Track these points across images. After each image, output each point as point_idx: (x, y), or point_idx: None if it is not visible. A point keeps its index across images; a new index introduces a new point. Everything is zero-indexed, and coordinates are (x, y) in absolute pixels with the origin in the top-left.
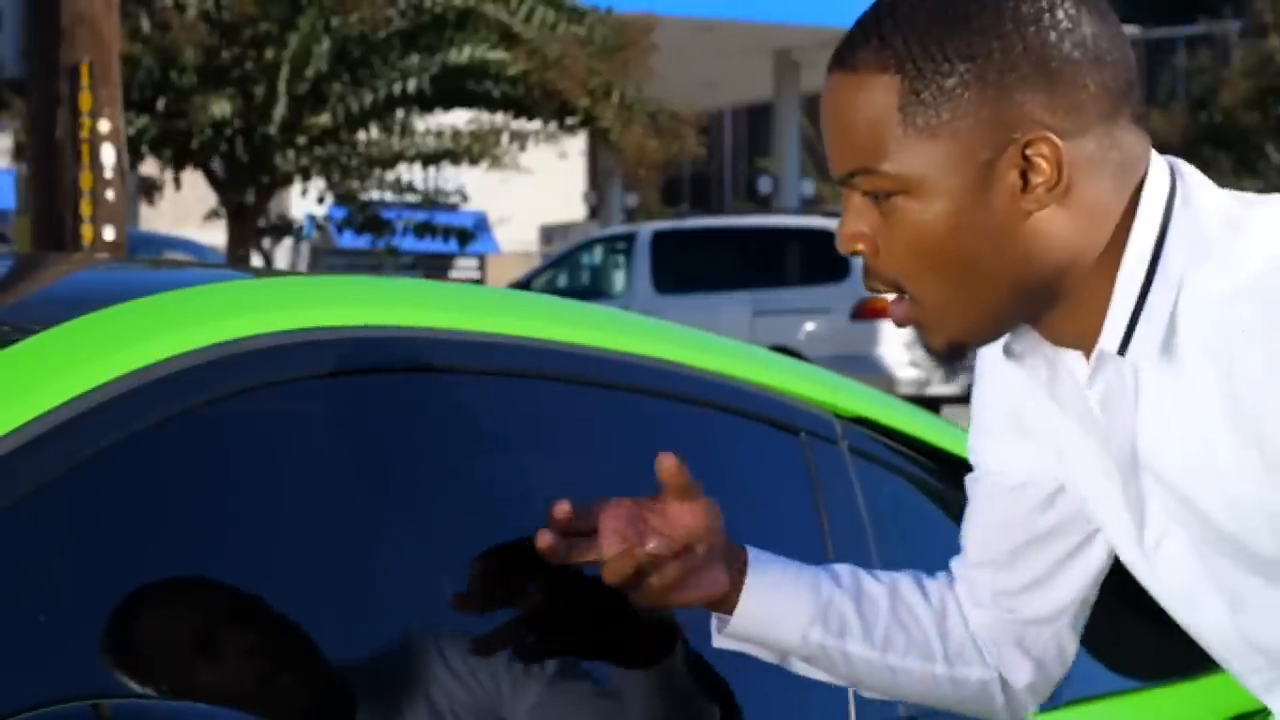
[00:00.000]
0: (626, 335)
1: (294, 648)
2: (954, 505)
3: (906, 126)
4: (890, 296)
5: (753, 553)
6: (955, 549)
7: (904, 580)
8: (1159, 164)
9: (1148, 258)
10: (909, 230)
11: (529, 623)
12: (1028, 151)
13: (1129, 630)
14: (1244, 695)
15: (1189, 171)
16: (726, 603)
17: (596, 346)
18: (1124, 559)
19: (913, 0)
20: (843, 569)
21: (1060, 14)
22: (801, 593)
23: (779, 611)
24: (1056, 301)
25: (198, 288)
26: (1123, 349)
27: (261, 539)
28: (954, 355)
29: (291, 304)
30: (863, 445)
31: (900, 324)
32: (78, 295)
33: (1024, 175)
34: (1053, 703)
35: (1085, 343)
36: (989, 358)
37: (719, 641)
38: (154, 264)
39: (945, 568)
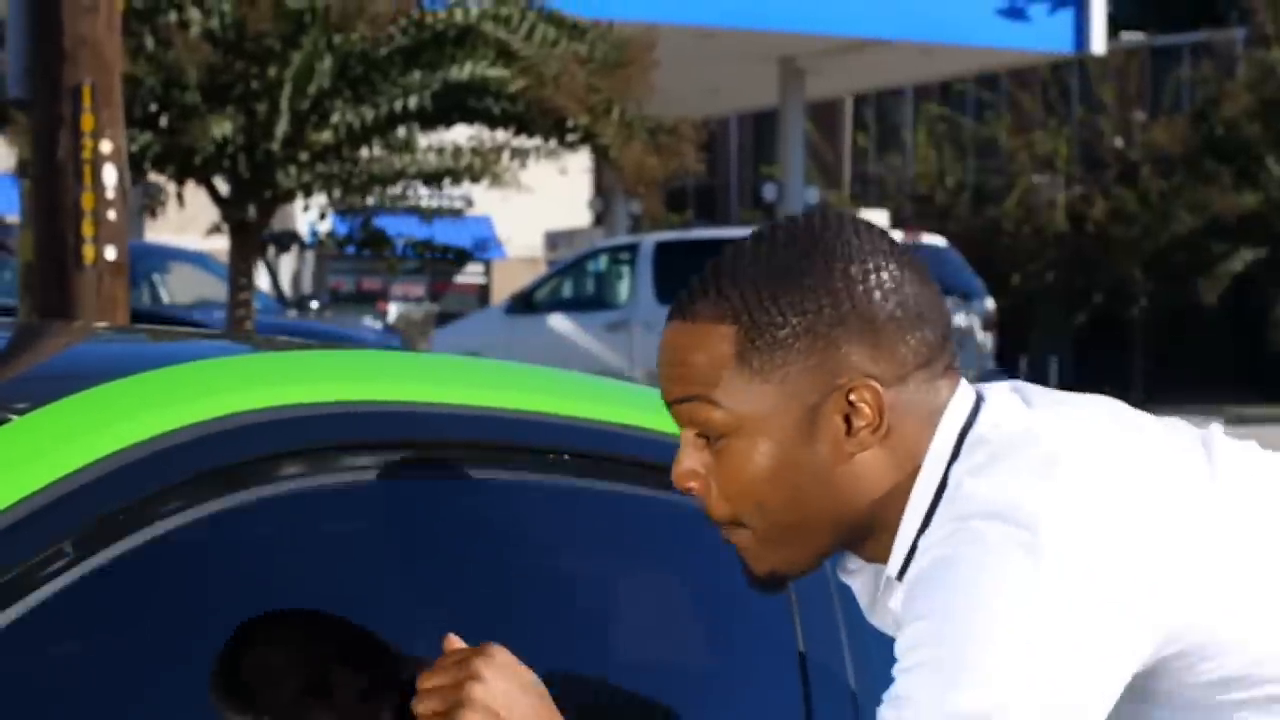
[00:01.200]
0: (593, 403)
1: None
2: None
3: (741, 369)
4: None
5: None
6: None
7: None
8: (963, 399)
9: (933, 489)
10: (738, 469)
11: None
12: (851, 397)
13: None
14: None
15: (996, 403)
16: None
17: (571, 415)
18: None
19: (748, 258)
20: None
21: (885, 275)
22: None
23: None
24: (872, 533)
25: (200, 362)
26: (901, 576)
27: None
28: (774, 584)
29: (295, 379)
30: None
31: (728, 539)
32: (81, 369)
33: (847, 419)
34: None
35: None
36: None
37: None
38: (157, 335)
39: None
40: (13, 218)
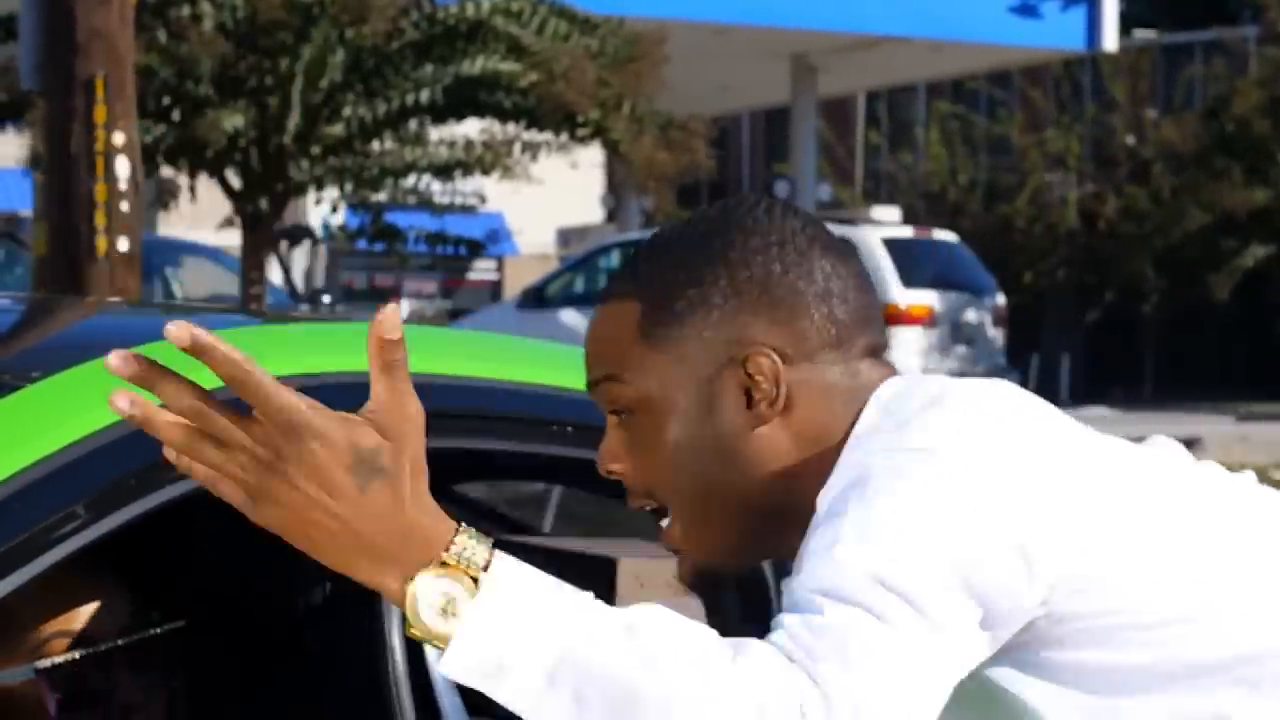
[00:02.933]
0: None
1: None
2: None
3: (643, 343)
4: (664, 524)
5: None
6: None
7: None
8: (889, 388)
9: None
10: (648, 444)
11: None
12: (748, 368)
13: None
14: None
15: (909, 389)
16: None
17: (568, 387)
18: None
19: (664, 240)
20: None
21: (789, 249)
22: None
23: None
24: (793, 523)
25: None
26: None
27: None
28: (701, 579)
29: (306, 350)
30: None
31: (667, 547)
32: (94, 340)
33: (748, 393)
34: None
35: None
36: None
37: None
38: (170, 310)
39: None
40: (25, 212)
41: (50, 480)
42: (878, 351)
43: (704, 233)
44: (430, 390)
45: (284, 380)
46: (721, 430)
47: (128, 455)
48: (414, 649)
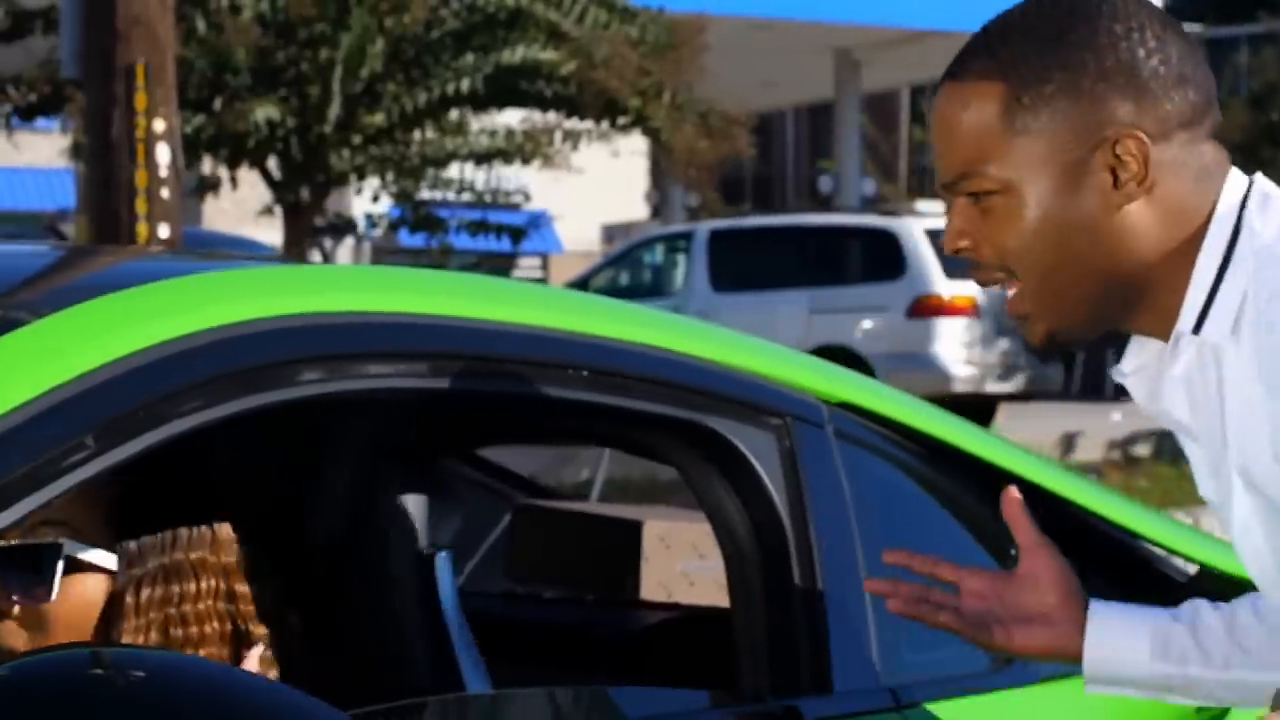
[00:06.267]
0: (613, 321)
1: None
2: (941, 490)
3: (1008, 129)
4: (1010, 292)
5: (1094, 604)
6: (938, 531)
7: (1241, 606)
8: (1237, 173)
9: (1223, 249)
10: (1009, 226)
11: None
12: (1117, 149)
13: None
14: None
15: (1262, 180)
16: (1073, 651)
17: (584, 332)
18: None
19: (1019, 20)
20: (1184, 606)
21: (1149, 34)
22: (1139, 632)
23: (1120, 652)
24: (1143, 295)
25: (223, 271)
26: (1198, 330)
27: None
28: (1051, 346)
29: (314, 290)
30: (849, 430)
31: (1012, 315)
32: (113, 280)
33: (1113, 172)
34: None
35: (1167, 333)
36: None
37: (1087, 689)
38: (196, 255)
39: (927, 548)
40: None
41: (60, 410)
42: (1214, 132)
43: (1064, 18)
44: (439, 332)
45: (334, 317)
46: (1088, 209)
47: (137, 388)
48: (426, 581)
